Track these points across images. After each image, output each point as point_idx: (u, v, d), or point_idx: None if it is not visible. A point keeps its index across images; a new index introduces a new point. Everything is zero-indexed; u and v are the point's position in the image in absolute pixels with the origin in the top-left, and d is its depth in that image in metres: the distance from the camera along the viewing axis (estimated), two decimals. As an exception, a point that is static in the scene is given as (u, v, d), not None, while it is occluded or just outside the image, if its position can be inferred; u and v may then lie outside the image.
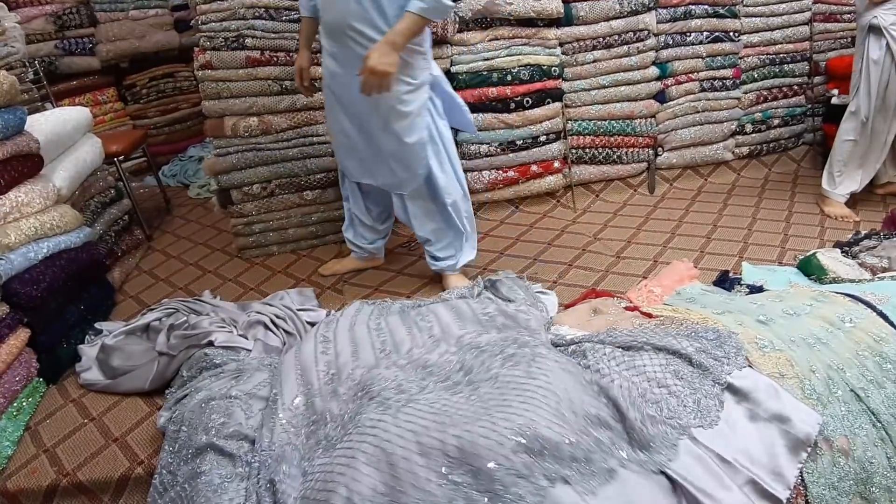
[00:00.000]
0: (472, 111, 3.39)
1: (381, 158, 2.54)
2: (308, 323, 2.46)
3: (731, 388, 1.74)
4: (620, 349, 1.90)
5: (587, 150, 3.69)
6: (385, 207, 2.87)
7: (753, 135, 4.00)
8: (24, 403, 2.21)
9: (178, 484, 1.77)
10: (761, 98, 3.98)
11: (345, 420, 1.79)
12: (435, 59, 3.26)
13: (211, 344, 2.24)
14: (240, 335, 2.30)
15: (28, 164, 2.49)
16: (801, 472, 1.63)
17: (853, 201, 3.41)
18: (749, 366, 1.82)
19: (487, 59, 3.42)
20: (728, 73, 3.84)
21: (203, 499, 1.68)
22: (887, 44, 3.04)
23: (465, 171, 3.49)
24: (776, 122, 4.04)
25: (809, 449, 1.65)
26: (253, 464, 1.76)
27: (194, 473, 1.75)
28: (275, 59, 3.19)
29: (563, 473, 1.51)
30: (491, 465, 1.50)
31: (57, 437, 2.12)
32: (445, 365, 1.93)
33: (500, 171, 3.55)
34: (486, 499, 1.47)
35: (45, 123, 2.74)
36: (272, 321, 2.38)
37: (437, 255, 2.75)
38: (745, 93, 3.93)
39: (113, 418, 2.17)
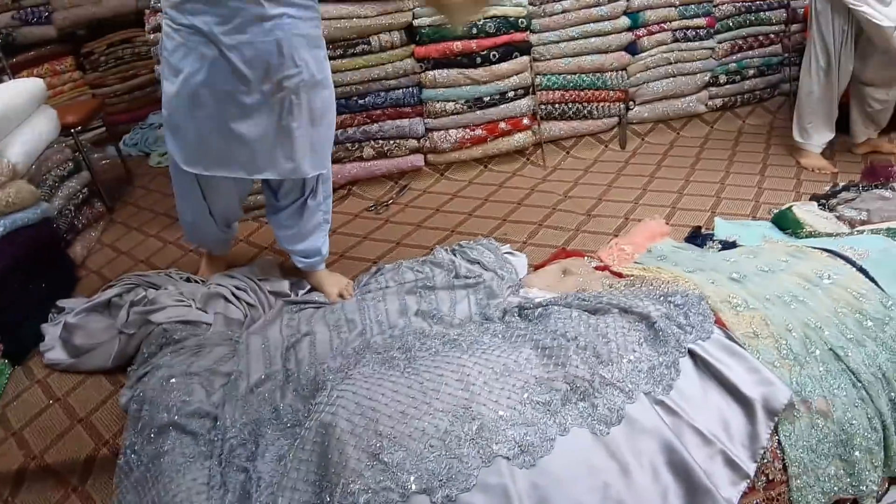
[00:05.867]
0: (437, 67, 3.33)
1: (303, 138, 2.18)
2: (272, 293, 2.40)
3: (695, 357, 1.71)
4: (587, 313, 1.87)
5: (557, 105, 3.61)
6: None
7: (727, 86, 3.93)
8: (-9, 387, 2.16)
9: (142, 464, 1.76)
10: (736, 48, 3.88)
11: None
12: (395, 12, 3.20)
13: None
14: (199, 309, 2.24)
15: (-19, 141, 2.40)
16: (777, 436, 1.61)
17: (830, 152, 3.37)
18: (722, 328, 1.79)
19: (452, 12, 3.30)
20: (702, 21, 3.75)
21: (167, 479, 1.67)
22: None
23: (431, 130, 3.44)
24: (751, 72, 3.96)
25: (777, 419, 1.62)
26: (216, 442, 1.76)
27: (157, 453, 1.74)
28: (230, 19, 3.05)
29: (500, 452, 1.50)
30: (421, 446, 1.50)
31: (23, 419, 2.07)
32: (385, 343, 1.97)
33: (468, 130, 3.46)
34: (412, 477, 1.46)
35: (-2, 97, 2.65)
36: (233, 293, 2.31)
37: None
38: (720, 42, 3.84)
39: (77, 398, 2.13)
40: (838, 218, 2.63)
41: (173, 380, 1.90)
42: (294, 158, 2.14)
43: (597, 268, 2.31)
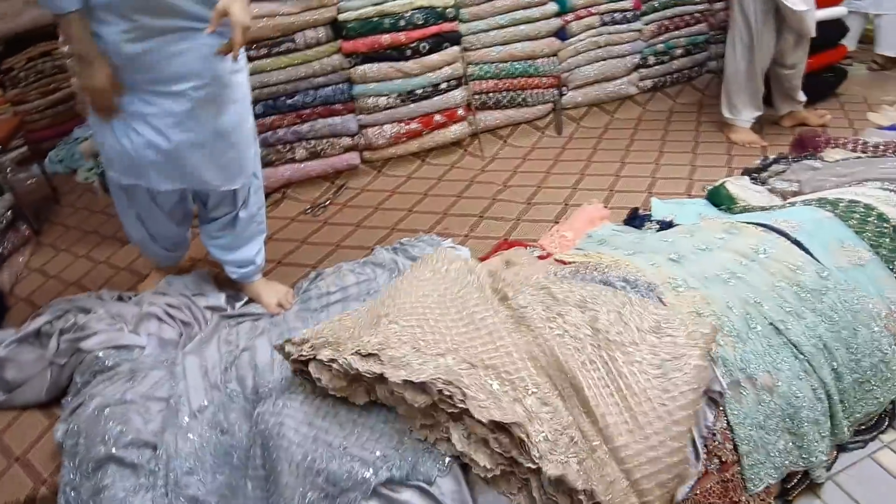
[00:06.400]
0: (366, 61, 3.28)
1: (212, 151, 2.10)
2: (207, 308, 2.31)
3: None
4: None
5: (491, 94, 3.59)
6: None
7: (656, 67, 3.97)
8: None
9: (82, 502, 1.70)
10: (663, 28, 3.93)
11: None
12: (319, 7, 3.14)
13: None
14: (130, 332, 2.15)
15: None
16: (725, 417, 1.60)
17: (759, 126, 3.43)
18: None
19: (377, 4, 3.23)
20: (628, 4, 3.77)
21: None
22: None
23: (365, 126, 3.39)
24: (679, 52, 4.01)
25: (718, 409, 1.61)
26: (158, 472, 1.69)
27: (97, 489, 1.68)
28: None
29: None
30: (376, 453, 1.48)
31: (-44, 464, 1.98)
32: None
33: (402, 124, 3.42)
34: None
35: None
36: (166, 312, 2.22)
37: None
38: (647, 24, 3.88)
39: (13, 436, 2.04)
40: (770, 191, 2.67)
41: (107, 409, 1.81)
42: (200, 172, 2.11)
43: (539, 256, 2.30)
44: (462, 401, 1.38)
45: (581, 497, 1.29)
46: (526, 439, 1.34)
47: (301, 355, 1.59)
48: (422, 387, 1.42)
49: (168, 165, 2.06)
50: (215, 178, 2.14)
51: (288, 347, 1.63)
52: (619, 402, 1.45)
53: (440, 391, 1.39)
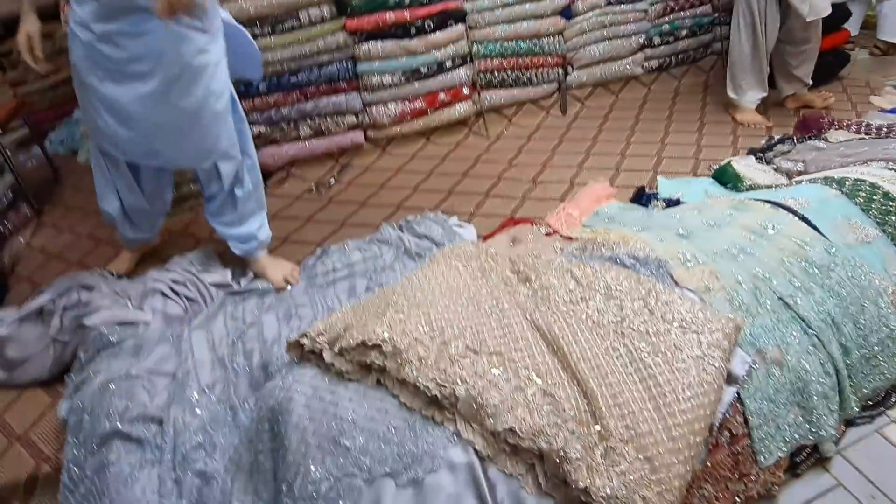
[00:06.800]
0: (370, 38, 3.24)
1: (177, 131, 2.13)
2: (213, 285, 2.31)
3: None
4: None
5: (496, 73, 3.57)
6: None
7: (662, 47, 3.95)
8: (-74, 410, 2.03)
9: (87, 478, 1.69)
10: (668, 9, 3.90)
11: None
12: (327, -16, 3.10)
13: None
14: (135, 308, 2.13)
15: None
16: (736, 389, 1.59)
17: (764, 107, 3.41)
18: (675, 284, 1.77)
19: (381, -19, 3.21)
20: (633, -16, 3.75)
21: (114, 492, 1.61)
22: None
23: (369, 104, 3.37)
24: (684, 32, 3.98)
25: (738, 386, 1.60)
26: (164, 447, 1.69)
27: (102, 465, 1.67)
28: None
29: None
30: (384, 428, 1.48)
31: (-41, 443, 1.96)
32: None
33: (407, 102, 3.39)
34: (376, 461, 1.43)
35: None
36: (171, 288, 2.21)
37: None
38: (652, 4, 3.84)
39: (14, 415, 2.03)
40: (776, 170, 2.67)
41: (112, 385, 1.80)
42: (167, 151, 2.15)
43: (546, 234, 2.29)
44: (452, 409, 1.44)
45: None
46: (519, 443, 1.36)
47: (315, 348, 1.60)
48: (416, 388, 1.46)
49: (138, 144, 2.11)
50: (183, 157, 2.20)
51: (303, 341, 1.63)
52: (644, 392, 1.44)
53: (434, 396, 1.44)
